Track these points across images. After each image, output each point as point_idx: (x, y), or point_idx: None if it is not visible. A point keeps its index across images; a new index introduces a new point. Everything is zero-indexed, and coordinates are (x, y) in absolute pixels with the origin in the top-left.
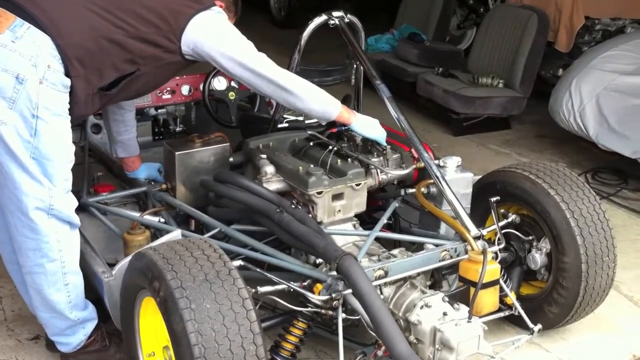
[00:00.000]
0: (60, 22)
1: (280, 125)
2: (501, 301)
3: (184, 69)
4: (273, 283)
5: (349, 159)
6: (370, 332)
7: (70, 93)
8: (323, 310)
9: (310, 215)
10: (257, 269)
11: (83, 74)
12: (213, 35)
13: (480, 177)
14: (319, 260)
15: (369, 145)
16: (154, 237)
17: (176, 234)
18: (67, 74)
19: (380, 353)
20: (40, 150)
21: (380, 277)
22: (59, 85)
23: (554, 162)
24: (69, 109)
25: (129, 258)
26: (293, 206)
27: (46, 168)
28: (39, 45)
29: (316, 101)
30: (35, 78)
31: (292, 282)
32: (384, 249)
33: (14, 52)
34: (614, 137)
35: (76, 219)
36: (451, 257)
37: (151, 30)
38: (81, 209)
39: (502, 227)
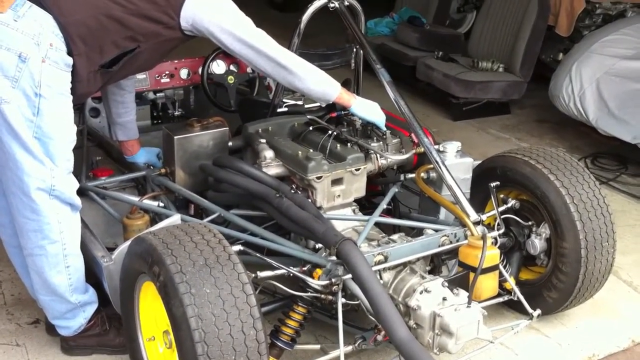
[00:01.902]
0: (61, 1)
1: (279, 110)
2: (500, 286)
3: (182, 44)
4: (273, 268)
5: (349, 144)
6: (370, 317)
7: (72, 72)
8: (323, 295)
9: (310, 200)
10: (257, 254)
11: (84, 52)
12: (212, 10)
13: (480, 162)
14: (319, 245)
15: (369, 130)
16: (153, 221)
17: (175, 218)
18: (69, 53)
19: (379, 338)
20: (42, 129)
21: (379, 262)
22: (61, 64)
23: (553, 147)
24: (71, 88)
25: (128, 242)
26: (292, 191)
27: (48, 147)
28: (41, 23)
29: (315, 81)
30: (38, 56)
31: (291, 267)
32: (384, 234)
33: (17, 30)
34: (614, 122)
35: (77, 201)
36: (451, 243)
37: (150, 6)
38: (80, 193)
39: (502, 213)
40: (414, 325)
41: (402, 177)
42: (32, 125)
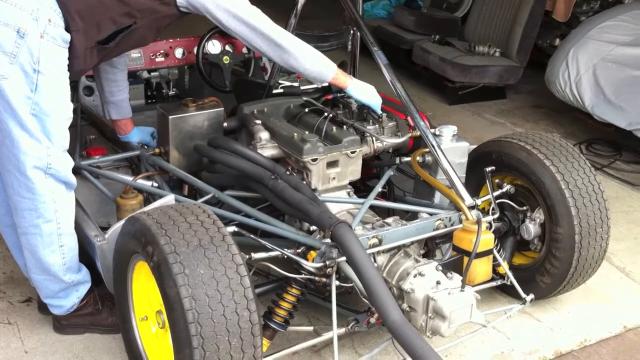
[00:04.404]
0: None
1: (275, 91)
2: (494, 271)
3: (177, 21)
4: (267, 249)
5: (345, 126)
6: (364, 299)
7: (69, 48)
8: (316, 278)
9: (305, 183)
10: (251, 235)
11: (82, 28)
12: None
13: (475, 146)
14: (313, 228)
15: (365, 113)
16: (147, 201)
17: (169, 198)
18: (66, 29)
19: (373, 320)
20: (40, 106)
21: (374, 245)
22: (59, 40)
23: (549, 132)
24: (68, 65)
25: (121, 222)
26: (287, 173)
27: (45, 124)
28: None
29: (311, 60)
30: (37, 32)
31: (286, 249)
32: (378, 218)
33: (15, 6)
34: (610, 108)
35: (73, 179)
36: (445, 226)
37: None
38: (73, 172)
39: (497, 197)
40: (407, 309)
41: (397, 160)
42: (30, 102)
